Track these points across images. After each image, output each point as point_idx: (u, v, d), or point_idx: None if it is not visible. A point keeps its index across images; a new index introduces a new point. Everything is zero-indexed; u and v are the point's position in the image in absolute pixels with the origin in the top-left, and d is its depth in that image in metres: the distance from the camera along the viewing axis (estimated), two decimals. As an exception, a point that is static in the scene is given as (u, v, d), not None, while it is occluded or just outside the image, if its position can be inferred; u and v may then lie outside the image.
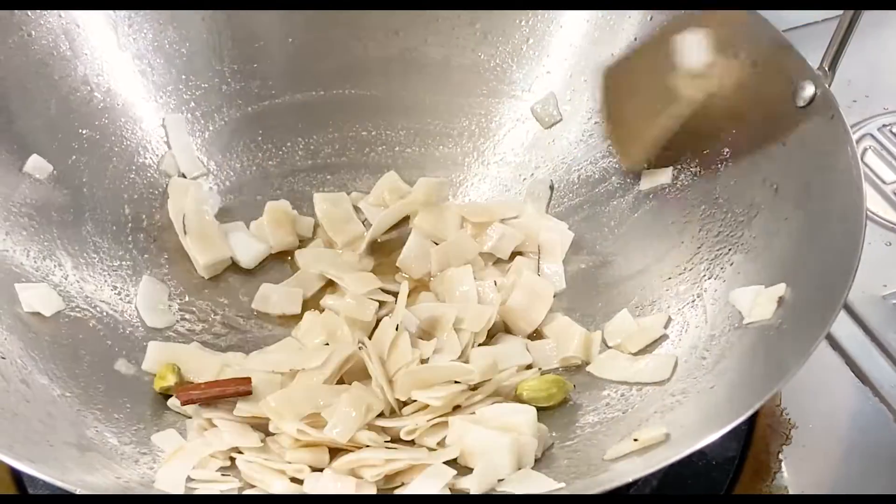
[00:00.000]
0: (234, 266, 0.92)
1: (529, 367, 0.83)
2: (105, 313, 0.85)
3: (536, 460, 0.74)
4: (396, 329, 0.80)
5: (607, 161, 0.93)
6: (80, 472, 0.68)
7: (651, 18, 0.91)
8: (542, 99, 0.96)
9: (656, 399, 0.77)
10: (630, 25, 0.92)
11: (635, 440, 0.71)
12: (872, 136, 1.08)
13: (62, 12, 0.90)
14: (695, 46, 0.88)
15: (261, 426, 0.77)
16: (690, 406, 0.74)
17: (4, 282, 0.82)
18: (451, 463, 0.73)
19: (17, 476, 0.81)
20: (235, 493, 0.72)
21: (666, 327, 0.83)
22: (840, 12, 0.82)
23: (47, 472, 0.64)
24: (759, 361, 0.73)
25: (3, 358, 0.76)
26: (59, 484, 0.63)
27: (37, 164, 0.87)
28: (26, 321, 0.81)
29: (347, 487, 0.71)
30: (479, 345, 0.83)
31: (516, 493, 0.70)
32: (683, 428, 0.71)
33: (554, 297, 0.88)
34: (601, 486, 0.67)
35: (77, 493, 0.61)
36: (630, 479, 0.67)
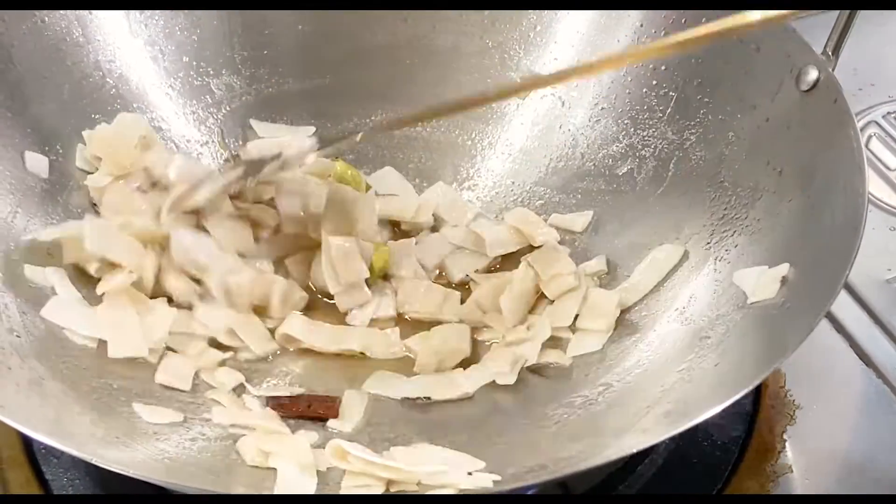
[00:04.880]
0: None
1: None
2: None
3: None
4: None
5: (614, 147, 0.94)
6: (94, 446, 0.69)
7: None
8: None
9: (660, 377, 0.77)
10: (636, 13, 0.93)
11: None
12: (877, 123, 1.09)
13: (75, -3, 0.91)
14: None
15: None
16: (694, 384, 0.74)
17: (19, 261, 0.83)
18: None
19: (33, 458, 0.82)
20: None
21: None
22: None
23: (65, 443, 0.65)
24: (763, 339, 0.74)
25: (17, 336, 0.77)
26: (75, 454, 0.64)
27: (35, 162, 0.88)
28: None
29: None
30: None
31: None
32: (687, 404, 0.72)
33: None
34: (605, 458, 0.68)
35: (93, 461, 0.62)
36: (631, 452, 0.68)
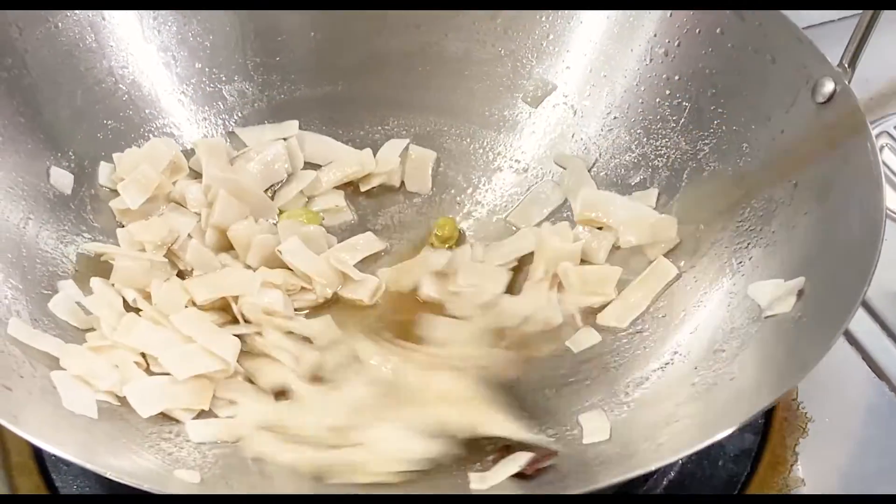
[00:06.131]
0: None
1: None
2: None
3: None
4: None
5: (627, 156, 0.94)
6: (106, 456, 0.69)
7: (671, 15, 0.92)
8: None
9: (674, 390, 0.77)
10: (650, 22, 0.93)
11: None
12: (889, 134, 1.08)
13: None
14: None
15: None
16: (708, 398, 0.74)
17: (30, 269, 0.83)
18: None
19: (43, 466, 0.82)
20: None
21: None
22: (859, 10, 0.82)
23: (77, 454, 0.65)
24: (778, 354, 0.74)
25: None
26: (87, 466, 0.64)
27: (59, 178, 0.88)
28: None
29: None
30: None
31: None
32: (701, 419, 0.72)
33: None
34: (617, 477, 0.68)
35: (107, 475, 0.62)
36: (646, 470, 0.68)
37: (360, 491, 0.71)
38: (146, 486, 0.64)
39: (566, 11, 0.96)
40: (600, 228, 0.91)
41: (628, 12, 0.94)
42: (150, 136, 0.94)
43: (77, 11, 0.90)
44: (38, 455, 0.83)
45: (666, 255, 0.88)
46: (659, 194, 0.91)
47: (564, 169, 0.95)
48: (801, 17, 0.88)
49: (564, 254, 0.88)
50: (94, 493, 0.81)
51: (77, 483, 0.81)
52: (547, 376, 0.83)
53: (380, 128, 0.99)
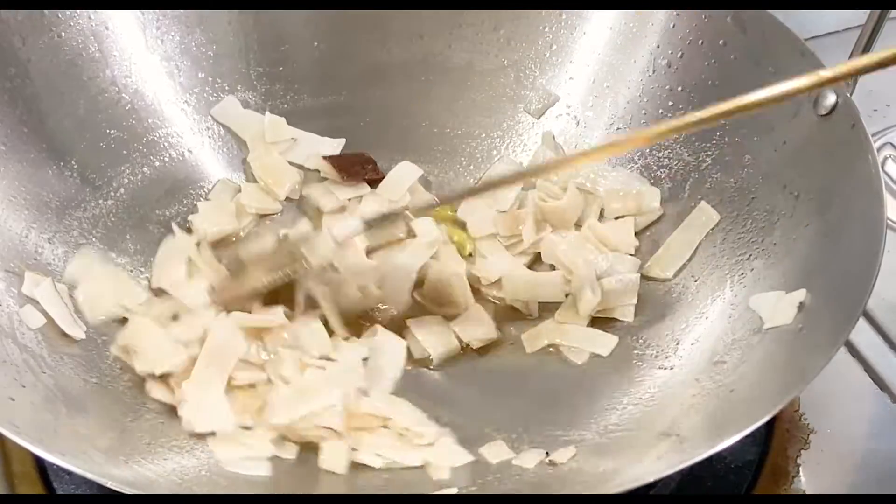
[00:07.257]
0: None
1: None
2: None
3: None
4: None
5: (630, 167, 0.94)
6: (107, 466, 0.69)
7: (674, 26, 0.92)
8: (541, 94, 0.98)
9: (675, 402, 0.77)
10: (653, 33, 0.93)
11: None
12: (893, 145, 1.08)
13: (91, 13, 0.91)
14: None
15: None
16: (710, 409, 0.74)
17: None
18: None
19: (44, 475, 0.82)
20: None
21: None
22: (862, 21, 0.83)
23: (78, 464, 0.65)
24: (779, 366, 0.74)
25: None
26: (89, 476, 0.64)
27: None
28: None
29: None
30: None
31: None
32: (702, 431, 0.72)
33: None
34: (617, 488, 0.67)
35: (108, 485, 0.62)
36: (646, 482, 0.68)
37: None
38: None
39: (569, 22, 0.96)
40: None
41: (631, 24, 0.94)
42: (155, 143, 0.94)
43: (80, 21, 0.90)
44: (40, 464, 0.83)
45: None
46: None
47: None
48: (804, 29, 0.88)
49: None
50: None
51: (79, 492, 0.81)
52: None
53: (383, 137, 0.99)
